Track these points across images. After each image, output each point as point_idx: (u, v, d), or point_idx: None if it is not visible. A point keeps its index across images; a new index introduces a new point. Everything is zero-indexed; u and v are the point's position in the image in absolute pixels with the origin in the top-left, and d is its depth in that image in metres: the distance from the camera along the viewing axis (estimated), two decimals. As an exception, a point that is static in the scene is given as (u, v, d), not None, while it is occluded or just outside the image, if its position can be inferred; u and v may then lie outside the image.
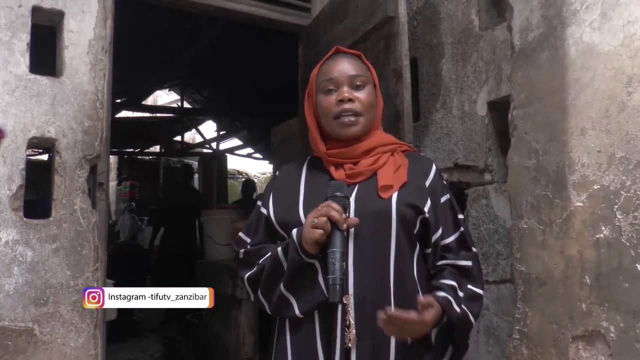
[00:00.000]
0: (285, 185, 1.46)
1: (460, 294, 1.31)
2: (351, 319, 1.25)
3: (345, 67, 1.40)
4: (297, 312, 1.30)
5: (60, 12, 1.82)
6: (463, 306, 1.30)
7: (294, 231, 1.30)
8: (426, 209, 1.33)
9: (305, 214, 1.32)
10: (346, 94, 1.37)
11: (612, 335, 1.39)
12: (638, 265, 1.33)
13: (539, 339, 1.59)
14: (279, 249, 1.33)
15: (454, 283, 1.32)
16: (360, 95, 1.39)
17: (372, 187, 1.35)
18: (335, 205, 1.24)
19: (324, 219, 1.23)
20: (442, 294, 1.29)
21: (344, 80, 1.38)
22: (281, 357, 1.35)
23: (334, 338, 1.26)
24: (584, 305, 1.46)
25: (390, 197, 1.32)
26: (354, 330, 1.24)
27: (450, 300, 1.28)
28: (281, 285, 1.31)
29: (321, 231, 1.22)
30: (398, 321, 1.17)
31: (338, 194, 1.28)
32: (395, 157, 1.41)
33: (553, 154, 1.57)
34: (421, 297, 1.21)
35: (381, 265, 1.29)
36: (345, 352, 1.24)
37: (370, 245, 1.28)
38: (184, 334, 5.18)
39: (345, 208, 1.28)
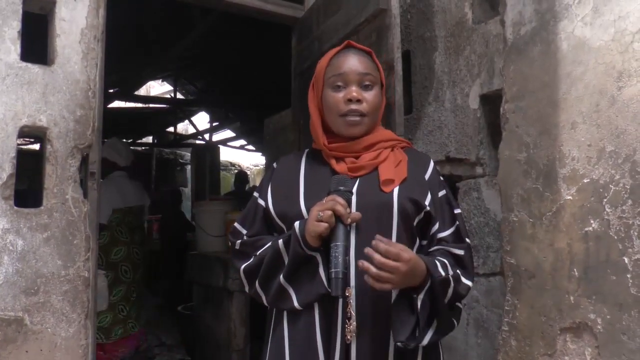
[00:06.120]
0: (284, 177, 1.46)
1: (450, 271, 1.30)
2: (352, 311, 1.25)
3: (355, 63, 1.39)
4: (295, 304, 1.30)
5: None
6: (449, 275, 1.28)
7: (297, 224, 1.30)
8: (427, 203, 1.35)
9: (307, 207, 1.33)
10: (355, 94, 1.36)
11: (599, 327, 1.40)
12: (625, 258, 1.35)
13: (527, 331, 1.60)
14: (280, 241, 1.32)
15: (444, 260, 1.32)
16: (368, 96, 1.38)
17: (373, 181, 1.35)
18: (341, 200, 1.25)
19: (330, 212, 1.23)
20: (428, 257, 1.29)
21: (354, 78, 1.38)
22: (277, 348, 1.35)
23: (334, 330, 1.26)
24: (572, 298, 1.48)
25: (392, 191, 1.33)
26: (354, 323, 1.24)
27: (435, 263, 1.27)
28: (281, 277, 1.31)
29: (326, 225, 1.23)
30: (379, 252, 1.18)
31: (341, 188, 1.29)
32: (395, 152, 1.42)
33: (544, 147, 1.58)
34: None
35: None
36: (346, 345, 1.25)
37: (372, 238, 1.29)
38: (175, 326, 5.18)
39: (349, 202, 1.29)
